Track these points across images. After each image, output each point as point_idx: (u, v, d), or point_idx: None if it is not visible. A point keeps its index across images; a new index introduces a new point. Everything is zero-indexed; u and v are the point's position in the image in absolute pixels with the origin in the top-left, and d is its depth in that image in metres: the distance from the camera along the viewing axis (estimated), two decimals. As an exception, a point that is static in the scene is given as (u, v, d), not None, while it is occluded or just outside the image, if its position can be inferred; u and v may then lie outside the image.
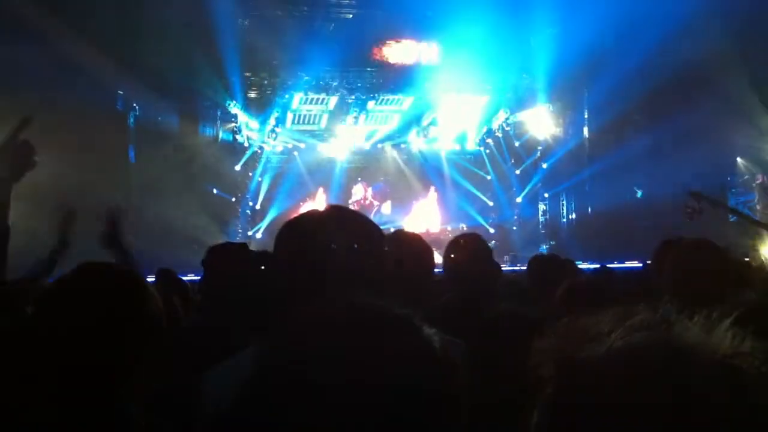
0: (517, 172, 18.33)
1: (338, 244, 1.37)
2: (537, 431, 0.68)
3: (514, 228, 18.40)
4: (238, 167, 16.70)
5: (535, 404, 0.71)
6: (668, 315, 0.68)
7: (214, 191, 16.09)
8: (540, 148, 18.18)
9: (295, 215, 1.53)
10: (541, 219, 18.17)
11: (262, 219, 16.91)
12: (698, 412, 0.60)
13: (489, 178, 18.64)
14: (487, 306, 2.84)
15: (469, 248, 3.04)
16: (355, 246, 1.37)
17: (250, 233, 16.62)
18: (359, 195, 17.96)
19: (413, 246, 2.31)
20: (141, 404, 1.50)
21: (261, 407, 1.15)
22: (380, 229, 1.49)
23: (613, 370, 0.63)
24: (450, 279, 3.02)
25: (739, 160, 15.57)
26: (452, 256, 3.04)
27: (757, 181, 14.50)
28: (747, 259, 4.54)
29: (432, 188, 18.34)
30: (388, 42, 16.05)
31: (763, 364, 0.64)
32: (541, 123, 17.95)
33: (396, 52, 16.19)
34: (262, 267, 2.64)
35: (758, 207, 14.04)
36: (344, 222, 1.43)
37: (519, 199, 18.39)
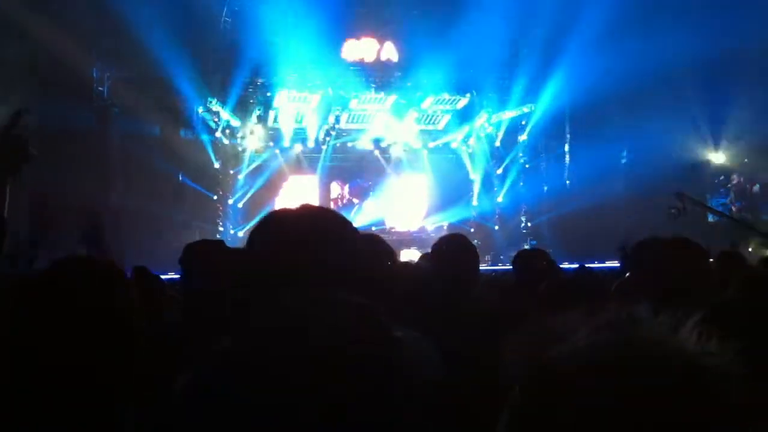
0: (499, 171, 18.42)
1: (310, 242, 1.38)
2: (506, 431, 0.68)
3: (496, 227, 18.49)
4: (217, 165, 16.62)
5: (504, 402, 0.71)
6: (636, 314, 0.67)
7: (196, 189, 16.00)
8: (522, 148, 18.29)
9: (269, 213, 1.54)
10: (523, 218, 18.27)
11: (244, 217, 16.82)
12: (661, 413, 0.60)
13: (471, 177, 18.70)
14: (467, 303, 2.86)
15: (453, 248, 3.06)
16: (327, 245, 1.38)
17: (232, 231, 16.54)
18: (335, 193, 17.97)
19: (367, 245, 2.31)
20: (130, 404, 1.48)
21: (228, 397, 1.17)
22: (354, 228, 1.50)
23: (577, 370, 0.63)
24: (434, 277, 3.04)
25: (713, 160, 15.77)
26: (437, 255, 3.05)
27: (733, 182, 14.66)
28: (727, 256, 4.58)
29: (414, 183, 18.42)
30: (370, 40, 16.07)
31: (728, 363, 0.64)
32: (522, 123, 18.09)
33: (380, 50, 16.23)
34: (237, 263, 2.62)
35: (733, 208, 14.20)
36: (316, 221, 1.45)
37: (500, 199, 18.48)
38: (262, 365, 1.15)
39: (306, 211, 1.48)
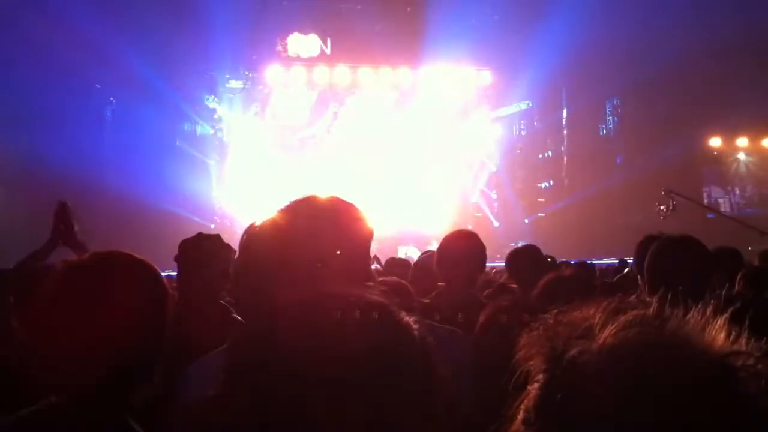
0: (494, 168, 18.39)
1: (322, 236, 1.34)
2: (526, 427, 0.65)
3: (495, 224, 18.46)
4: (212, 162, 16.59)
5: (520, 397, 0.68)
6: (662, 311, 0.65)
7: (193, 185, 15.95)
8: (519, 145, 18.30)
9: (293, 202, 1.49)
10: (522, 215, 18.26)
11: (241, 213, 16.73)
12: (693, 411, 0.58)
13: (470, 174, 18.66)
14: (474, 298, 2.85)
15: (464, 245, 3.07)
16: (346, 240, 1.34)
17: (229, 225, 16.46)
18: (333, 189, 17.89)
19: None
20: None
21: (237, 395, 1.13)
22: (363, 218, 1.47)
23: (606, 368, 0.60)
24: (443, 272, 3.04)
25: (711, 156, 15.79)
26: (449, 252, 3.05)
27: (730, 180, 14.66)
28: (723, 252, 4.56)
29: (412, 180, 18.41)
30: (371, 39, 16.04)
31: (758, 362, 0.62)
32: (521, 121, 18.11)
33: (378, 49, 16.18)
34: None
35: (729, 204, 14.19)
36: (340, 215, 1.40)
37: (496, 195, 18.47)
38: (272, 372, 1.09)
39: (317, 203, 1.43)
